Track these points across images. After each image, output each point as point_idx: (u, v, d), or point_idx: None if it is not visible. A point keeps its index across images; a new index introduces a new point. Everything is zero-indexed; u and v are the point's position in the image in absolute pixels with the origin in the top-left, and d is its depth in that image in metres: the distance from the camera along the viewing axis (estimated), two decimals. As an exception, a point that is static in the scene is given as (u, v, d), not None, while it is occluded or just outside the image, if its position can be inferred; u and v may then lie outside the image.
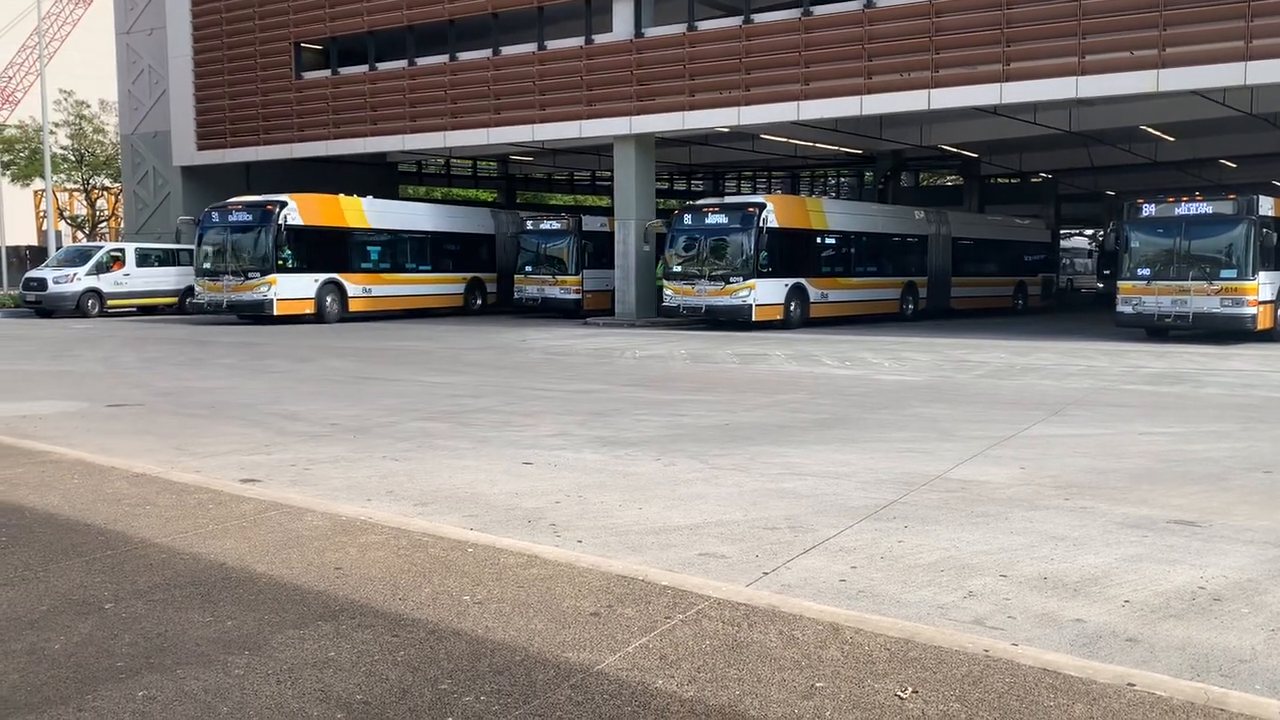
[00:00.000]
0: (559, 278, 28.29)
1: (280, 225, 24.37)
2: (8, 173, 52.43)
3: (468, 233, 30.18)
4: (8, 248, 47.23)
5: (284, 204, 24.71)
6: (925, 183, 47.19)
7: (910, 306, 27.51)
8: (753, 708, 3.25)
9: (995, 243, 31.60)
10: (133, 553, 5.01)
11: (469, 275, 29.81)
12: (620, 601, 4.22)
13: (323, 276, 25.47)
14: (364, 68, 29.81)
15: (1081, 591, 4.67)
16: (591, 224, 28.89)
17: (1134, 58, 19.19)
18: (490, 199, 45.52)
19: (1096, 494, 6.62)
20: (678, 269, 23.85)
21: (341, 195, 26.58)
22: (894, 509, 6.20)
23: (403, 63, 29.07)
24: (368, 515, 5.72)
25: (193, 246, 26.65)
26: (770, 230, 22.87)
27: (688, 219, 24.09)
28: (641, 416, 10.14)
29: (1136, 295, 20.05)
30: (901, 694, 3.32)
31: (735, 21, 23.99)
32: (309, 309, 25.11)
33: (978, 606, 4.48)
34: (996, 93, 20.76)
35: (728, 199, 28.37)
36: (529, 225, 29.48)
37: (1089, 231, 59.18)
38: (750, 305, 22.60)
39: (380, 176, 35.99)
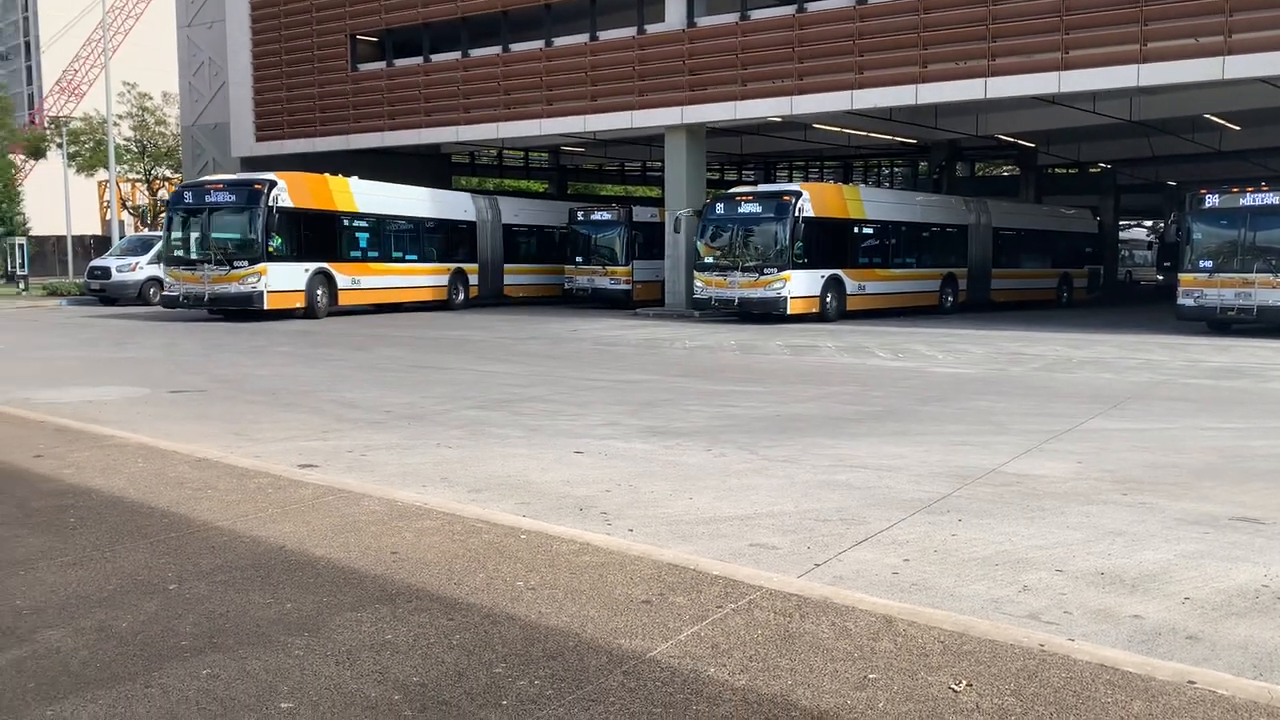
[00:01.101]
0: (609, 268, 28.33)
1: (270, 208, 21.85)
2: (73, 164, 53.70)
3: (450, 219, 28.01)
4: (73, 237, 48.37)
5: (273, 184, 22.19)
6: (981, 173, 46.53)
7: (950, 299, 26.79)
8: (805, 698, 3.25)
9: (1039, 233, 30.69)
10: (195, 535, 5.13)
11: (452, 266, 27.63)
12: (672, 590, 4.24)
13: (313, 266, 23.05)
14: (418, 59, 30.07)
15: (1140, 588, 4.60)
16: (642, 214, 28.85)
17: (1199, 44, 18.74)
18: (541, 189, 45.72)
19: (1156, 489, 6.51)
20: (709, 260, 23.09)
21: (329, 175, 24.54)
22: (947, 502, 6.15)
23: (456, 54, 29.27)
24: (423, 501, 5.80)
25: None
26: (806, 219, 22.25)
27: (720, 208, 23.34)
28: (691, 407, 10.15)
29: (1198, 288, 19.62)
30: (956, 687, 3.30)
31: (789, 10, 23.82)
32: (299, 302, 22.68)
33: (1033, 601, 4.43)
34: (1055, 81, 20.40)
35: (761, 187, 27.60)
36: (580, 216, 29.51)
37: (1148, 223, 57.99)
38: (785, 298, 21.98)
39: (434, 168, 36.29)
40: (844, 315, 23.22)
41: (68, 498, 5.92)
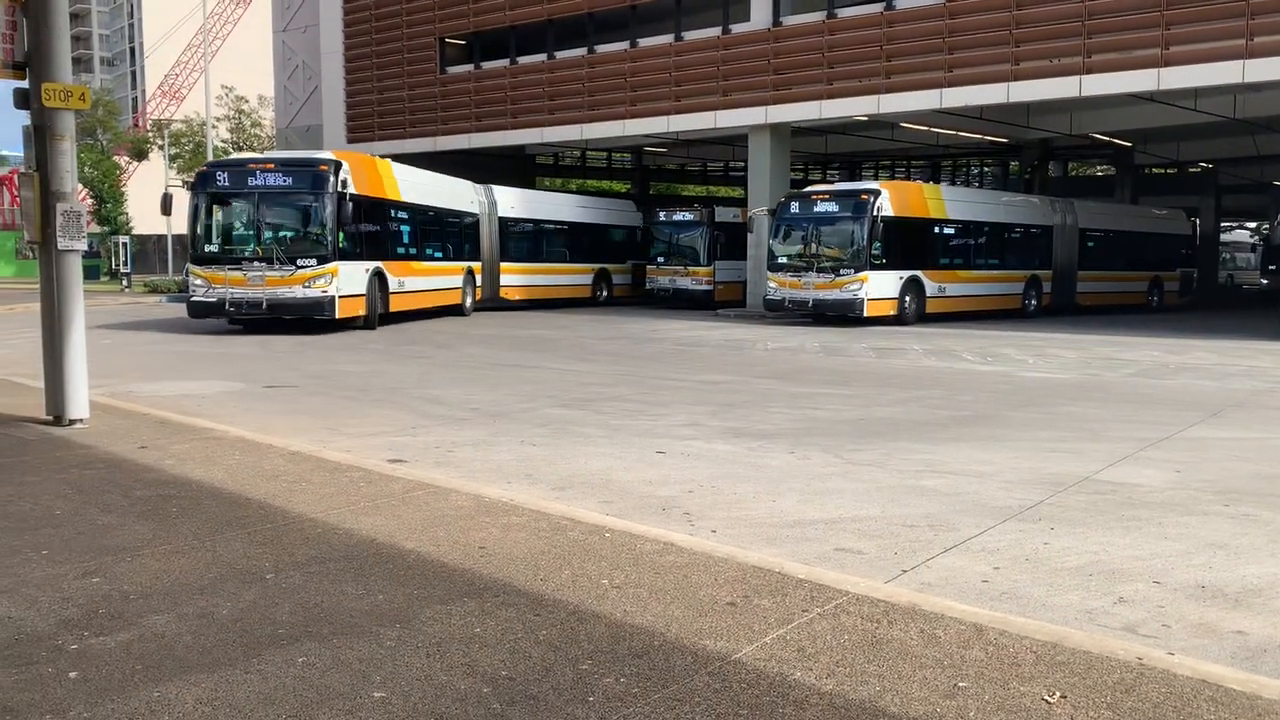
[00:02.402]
0: (691, 269, 28.31)
1: (339, 193, 18.40)
2: (174, 165, 55.62)
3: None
4: (173, 236, 50.11)
5: (338, 165, 18.57)
6: (1074, 172, 45.32)
7: (1033, 302, 25.88)
8: (893, 704, 3.21)
9: (1128, 235, 29.59)
10: (290, 526, 5.27)
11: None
12: (756, 592, 4.23)
13: (371, 265, 19.69)
14: (504, 62, 30.46)
15: (1243, 603, 4.44)
16: (724, 215, 28.76)
17: (1309, 39, 17.99)
18: (624, 190, 45.89)
19: (1260, 501, 6.28)
20: (783, 260, 22.57)
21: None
22: (1039, 510, 6.01)
23: (542, 56, 29.57)
24: (509, 497, 5.88)
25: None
26: (884, 219, 21.63)
27: (795, 207, 22.77)
28: (774, 409, 10.09)
29: (1306, 292, 18.83)
30: (1049, 699, 3.23)
31: (877, 8, 23.52)
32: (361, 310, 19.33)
33: (1129, 613, 4.31)
34: (1154, 78, 19.77)
35: (838, 185, 27.03)
36: (662, 216, 29.56)
37: (1251, 224, 55.89)
38: (862, 299, 21.36)
39: (518, 168, 36.71)
40: (923, 318, 22.61)
41: (170, 488, 6.14)
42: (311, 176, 18.36)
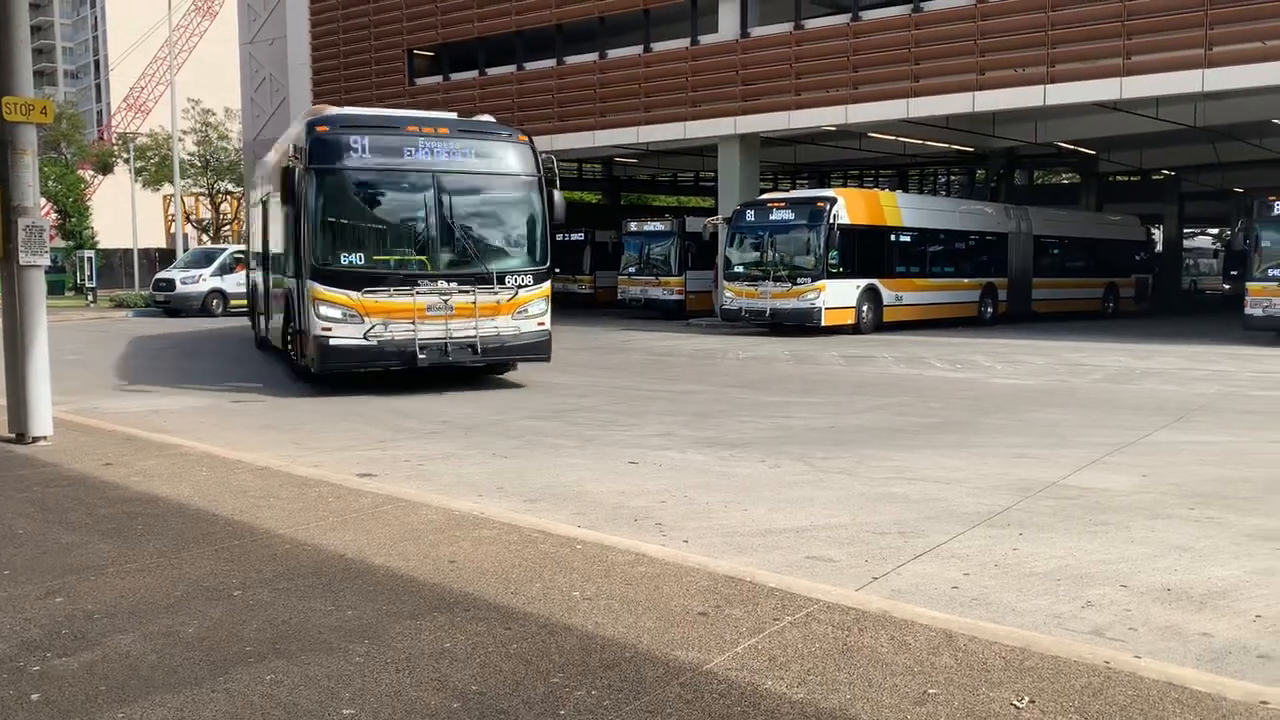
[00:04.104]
0: (662, 279, 28.35)
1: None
2: (140, 179, 55.10)
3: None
4: (139, 250, 49.63)
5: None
6: (1040, 180, 45.81)
7: (989, 310, 25.67)
8: (864, 712, 3.22)
9: (1082, 241, 29.50)
10: (258, 542, 5.22)
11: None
12: (728, 602, 4.23)
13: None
14: (474, 73, 30.43)
15: (1208, 605, 4.49)
16: (694, 225, 28.85)
17: (1266, 48, 18.29)
18: (594, 200, 45.93)
19: (1224, 504, 6.35)
20: (739, 269, 22.26)
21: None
22: (1008, 515, 6.05)
23: (511, 68, 29.58)
24: (480, 510, 5.85)
25: None
26: (841, 227, 21.38)
27: (750, 215, 22.41)
28: (746, 418, 10.11)
29: (1267, 297, 19.12)
30: (1018, 704, 3.25)
31: (843, 19, 23.71)
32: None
33: (1097, 617, 4.35)
34: (1116, 87, 20.03)
35: (794, 193, 26.80)
36: (633, 227, 29.61)
37: (1214, 230, 56.72)
38: (820, 309, 21.06)
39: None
40: (880, 327, 22.40)
41: (135, 505, 6.06)
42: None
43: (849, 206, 21.94)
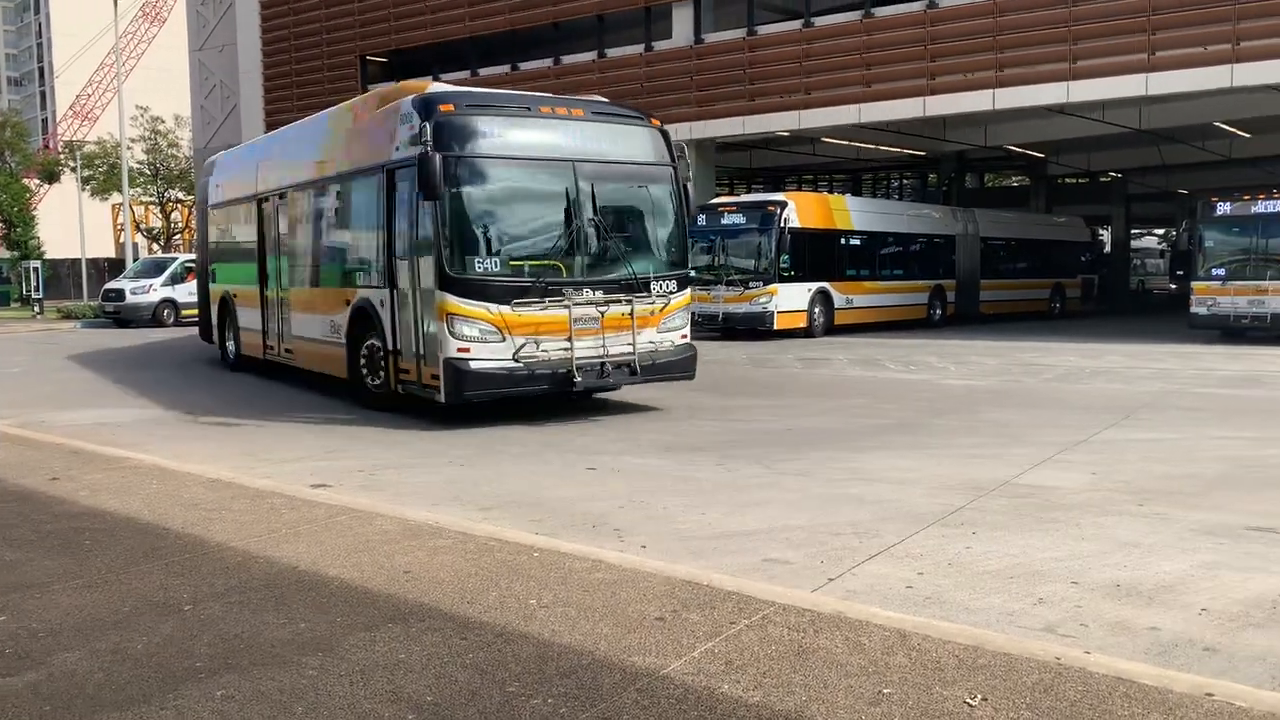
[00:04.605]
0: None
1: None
2: (87, 187, 54.15)
3: None
4: (87, 260, 48.76)
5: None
6: (990, 184, 46.45)
7: (939, 312, 25.90)
8: (819, 714, 3.24)
9: (1028, 242, 29.91)
10: (210, 556, 5.14)
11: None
12: (685, 606, 4.23)
13: None
14: (428, 79, 30.25)
15: (1156, 599, 4.57)
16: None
17: (1207, 53, 18.72)
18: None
19: (1171, 500, 6.47)
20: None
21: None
22: (961, 515, 6.12)
23: (465, 74, 29.45)
24: (435, 520, 5.81)
25: None
26: (792, 231, 21.49)
27: (702, 219, 22.22)
28: (703, 421, 10.14)
29: (1211, 296, 19.54)
30: (971, 701, 3.29)
31: (795, 25, 23.91)
32: None
33: (1048, 614, 4.41)
34: (1063, 91, 20.39)
35: (745, 197, 26.56)
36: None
37: (1160, 231, 57.81)
38: (772, 312, 21.15)
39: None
40: (831, 330, 22.47)
41: (83, 520, 5.95)
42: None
43: (800, 210, 22.04)
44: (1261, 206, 19.30)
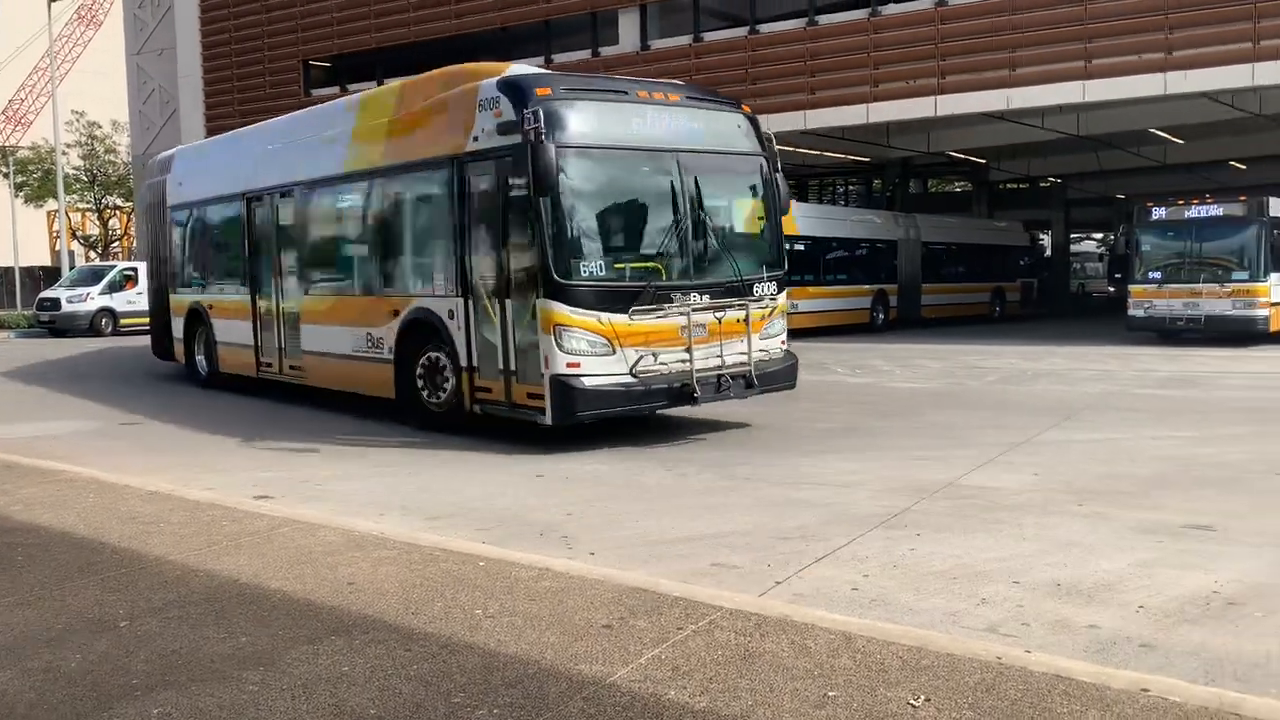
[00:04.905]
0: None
1: None
2: (21, 194, 52.86)
3: None
4: (21, 268, 47.59)
5: None
6: (934, 189, 47.08)
7: (881, 316, 26.14)
8: (765, 718, 3.24)
9: (969, 247, 30.42)
10: (147, 570, 5.04)
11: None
12: (632, 613, 4.22)
13: None
14: (373, 84, 29.98)
15: (1095, 598, 4.65)
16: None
17: (1141, 61, 19.16)
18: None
19: (1110, 499, 6.60)
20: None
21: None
22: (906, 517, 6.19)
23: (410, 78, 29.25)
24: (380, 530, 5.74)
25: None
26: None
27: None
28: (653, 427, 10.14)
29: (1148, 299, 19.99)
30: (914, 702, 3.32)
31: (741, 32, 24.06)
32: None
33: (991, 614, 4.47)
34: (1004, 99, 20.75)
35: None
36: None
37: (1098, 235, 59.00)
38: None
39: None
40: None
41: (16, 535, 5.80)
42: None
43: None
44: (1195, 211, 19.82)
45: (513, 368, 8.82)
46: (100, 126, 52.81)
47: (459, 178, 9.18)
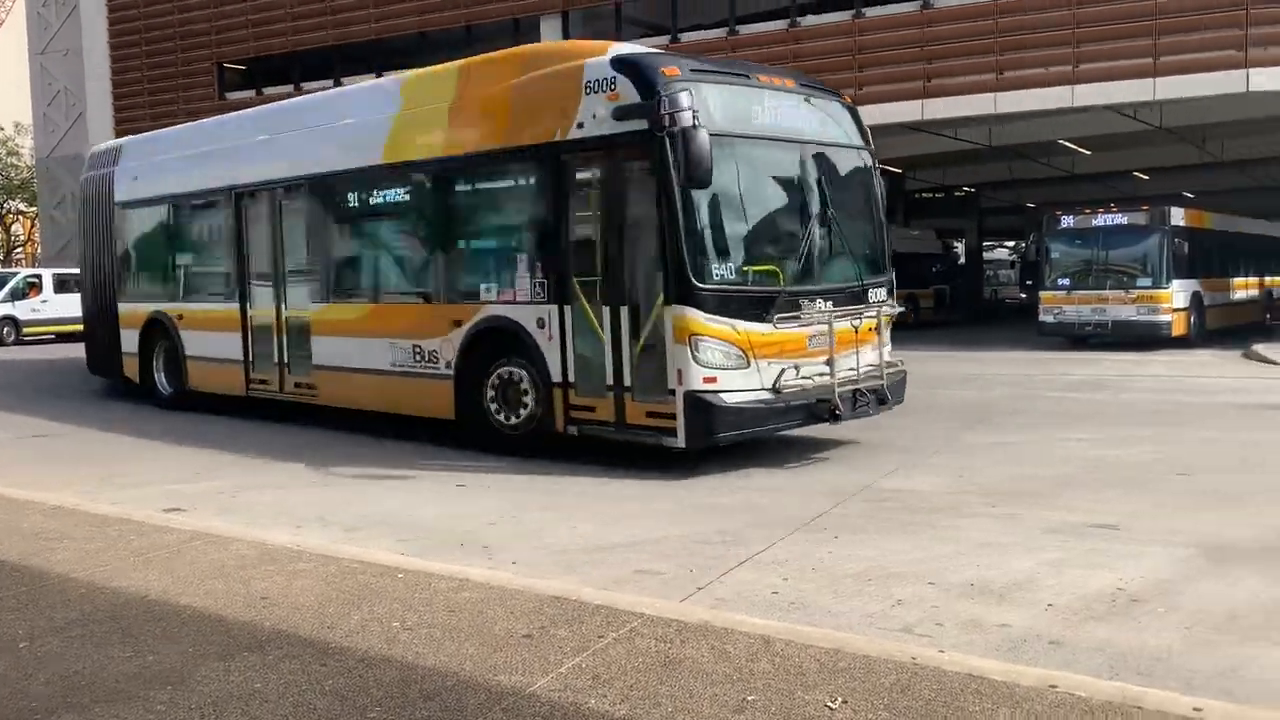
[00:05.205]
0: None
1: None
2: (-83, 198, 50.80)
3: None
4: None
5: None
6: (852, 198, 47.77)
7: None
8: (685, 724, 3.25)
9: None
10: (50, 588, 4.86)
11: None
12: (553, 622, 4.20)
13: None
14: (289, 88, 29.43)
15: (1008, 597, 4.76)
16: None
17: (1049, 74, 19.76)
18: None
19: (1022, 500, 6.77)
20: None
21: None
22: (825, 519, 6.27)
23: (328, 82, 28.76)
24: (296, 543, 5.62)
25: None
26: None
27: None
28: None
29: (1057, 305, 20.58)
30: (831, 704, 3.36)
31: (662, 40, 24.19)
32: None
33: (906, 614, 4.54)
34: (918, 109, 21.20)
35: None
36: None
37: (1010, 243, 60.55)
38: None
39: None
40: None
41: (-93, 555, 5.54)
42: None
43: None
44: (1102, 220, 20.48)
45: (626, 383, 7.84)
46: (2, 129, 50.98)
47: (555, 169, 8.19)
